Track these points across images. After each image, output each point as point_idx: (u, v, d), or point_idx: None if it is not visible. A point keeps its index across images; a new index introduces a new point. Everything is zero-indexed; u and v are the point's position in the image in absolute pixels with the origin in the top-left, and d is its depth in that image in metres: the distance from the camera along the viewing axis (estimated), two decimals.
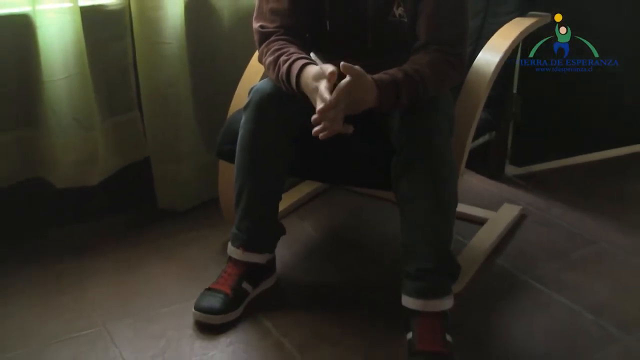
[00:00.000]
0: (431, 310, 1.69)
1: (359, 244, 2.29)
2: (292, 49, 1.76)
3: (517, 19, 2.18)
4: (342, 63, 1.58)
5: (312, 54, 1.89)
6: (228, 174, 2.03)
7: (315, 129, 1.60)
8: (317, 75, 1.63)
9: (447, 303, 1.71)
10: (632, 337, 1.78)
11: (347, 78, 1.59)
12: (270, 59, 1.78)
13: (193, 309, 1.84)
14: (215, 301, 1.84)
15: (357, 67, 1.60)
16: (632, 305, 1.93)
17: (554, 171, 2.85)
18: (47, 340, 1.76)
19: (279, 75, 1.74)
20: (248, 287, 1.89)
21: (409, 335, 1.69)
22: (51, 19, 2.00)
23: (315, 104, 1.63)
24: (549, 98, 2.74)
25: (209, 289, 1.88)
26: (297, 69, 1.69)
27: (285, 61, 1.72)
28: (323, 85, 1.60)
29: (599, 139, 2.95)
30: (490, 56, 2.00)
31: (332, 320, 1.85)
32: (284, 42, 1.80)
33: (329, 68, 1.60)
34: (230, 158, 1.94)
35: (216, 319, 1.83)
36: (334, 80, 1.60)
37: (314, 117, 1.59)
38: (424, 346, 1.65)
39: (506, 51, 2.02)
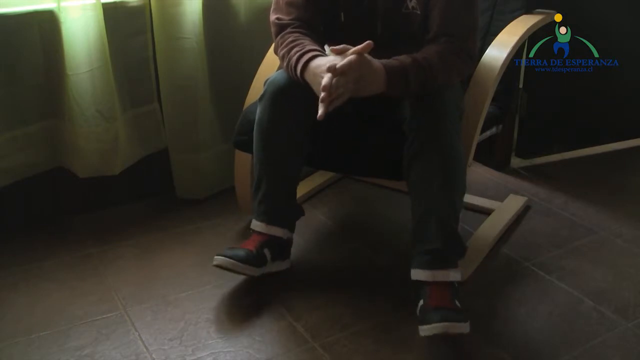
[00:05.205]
0: (440, 280, 1.71)
1: (370, 232, 2.30)
2: (306, 42, 1.79)
3: (523, 16, 2.20)
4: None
5: (326, 47, 1.92)
6: (244, 164, 2.06)
7: (320, 113, 1.61)
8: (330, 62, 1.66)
9: (454, 275, 1.73)
10: (630, 323, 1.81)
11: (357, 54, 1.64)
12: (284, 50, 1.81)
13: (215, 256, 1.83)
14: (239, 252, 1.85)
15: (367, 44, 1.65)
16: (630, 292, 1.94)
17: (557, 163, 2.85)
18: (70, 322, 1.79)
19: (289, 65, 1.77)
20: (268, 254, 1.89)
21: (420, 302, 1.71)
22: (75, 15, 2.03)
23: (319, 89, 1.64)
24: (553, 93, 2.74)
25: (232, 247, 1.89)
26: (305, 60, 1.72)
27: (297, 52, 1.75)
28: (332, 57, 1.65)
29: (601, 133, 2.96)
30: (497, 52, 2.02)
31: (343, 305, 1.87)
32: (299, 34, 1.83)
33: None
34: (246, 148, 1.97)
35: (239, 267, 1.82)
36: (338, 52, 1.65)
37: (322, 95, 1.61)
38: (434, 303, 1.67)
39: (513, 47, 2.03)
